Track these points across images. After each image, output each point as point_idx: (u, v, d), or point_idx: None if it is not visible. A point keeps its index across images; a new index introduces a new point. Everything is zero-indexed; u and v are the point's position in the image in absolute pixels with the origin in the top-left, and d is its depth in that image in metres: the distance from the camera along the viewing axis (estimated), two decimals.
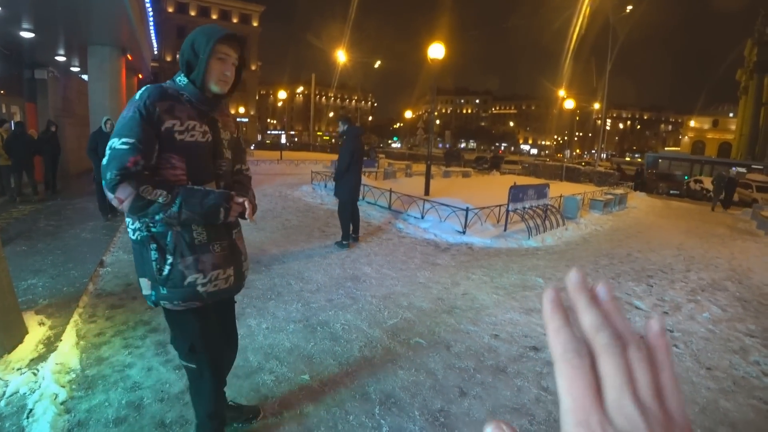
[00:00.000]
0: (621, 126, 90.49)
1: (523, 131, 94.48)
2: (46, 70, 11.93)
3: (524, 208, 7.62)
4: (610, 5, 21.86)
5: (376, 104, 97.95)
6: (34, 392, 2.35)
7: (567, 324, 0.29)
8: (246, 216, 1.71)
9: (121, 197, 1.50)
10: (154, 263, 1.62)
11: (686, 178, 23.00)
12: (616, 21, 22.18)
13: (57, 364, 2.62)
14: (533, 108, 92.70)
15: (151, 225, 1.61)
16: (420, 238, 6.91)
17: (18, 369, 2.57)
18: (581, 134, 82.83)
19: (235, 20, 53.27)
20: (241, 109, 54.48)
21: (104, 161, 1.52)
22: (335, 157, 18.71)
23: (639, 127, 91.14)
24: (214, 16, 51.72)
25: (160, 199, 1.52)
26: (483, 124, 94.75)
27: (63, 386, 2.42)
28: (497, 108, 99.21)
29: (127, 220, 1.67)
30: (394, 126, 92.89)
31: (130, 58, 11.38)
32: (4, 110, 11.90)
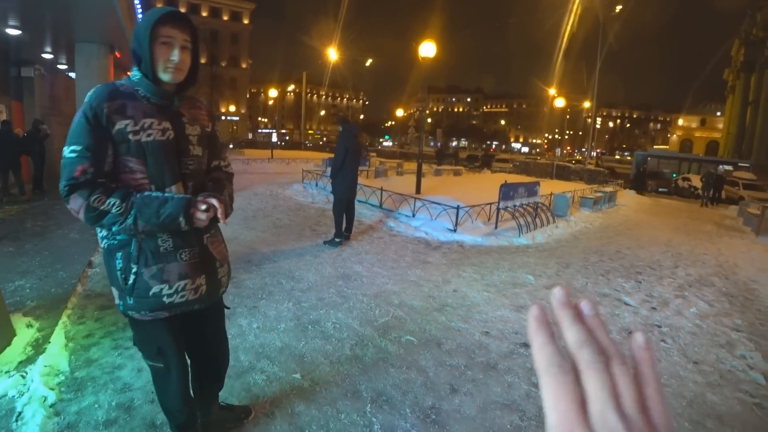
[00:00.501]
0: (611, 124, 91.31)
1: (514, 129, 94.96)
2: (32, 68, 11.77)
3: (515, 206, 7.67)
4: (601, 5, 22.05)
5: (367, 102, 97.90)
6: (22, 395, 2.32)
7: (551, 340, 0.30)
8: (219, 216, 1.58)
9: (74, 208, 1.42)
10: (119, 273, 1.54)
11: (675, 175, 23.29)
12: (606, 20, 22.36)
13: (46, 366, 2.60)
14: (524, 106, 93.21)
15: (116, 233, 1.53)
16: (411, 236, 6.93)
17: (6, 372, 2.54)
18: (572, 132, 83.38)
19: (225, 17, 52.94)
20: (232, 108, 54.17)
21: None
22: (326, 155, 18.70)
23: (629, 125, 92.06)
24: (204, 14, 51.32)
25: (114, 210, 1.42)
26: (474, 122, 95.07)
27: (52, 389, 2.40)
28: (488, 106, 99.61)
29: (96, 228, 1.57)
30: (386, 124, 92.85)
31: (118, 55, 11.24)
32: None
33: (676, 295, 4.95)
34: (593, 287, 5.04)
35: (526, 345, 3.39)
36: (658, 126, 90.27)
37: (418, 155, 11.17)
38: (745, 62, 46.72)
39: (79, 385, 2.48)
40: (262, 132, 69.85)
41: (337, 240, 5.97)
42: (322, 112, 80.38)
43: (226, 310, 2.00)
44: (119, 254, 1.53)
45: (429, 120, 79.61)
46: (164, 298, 1.56)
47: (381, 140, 77.20)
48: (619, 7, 22.50)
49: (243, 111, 55.53)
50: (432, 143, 59.85)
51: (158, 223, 1.47)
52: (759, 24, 44.51)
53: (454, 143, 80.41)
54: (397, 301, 4.11)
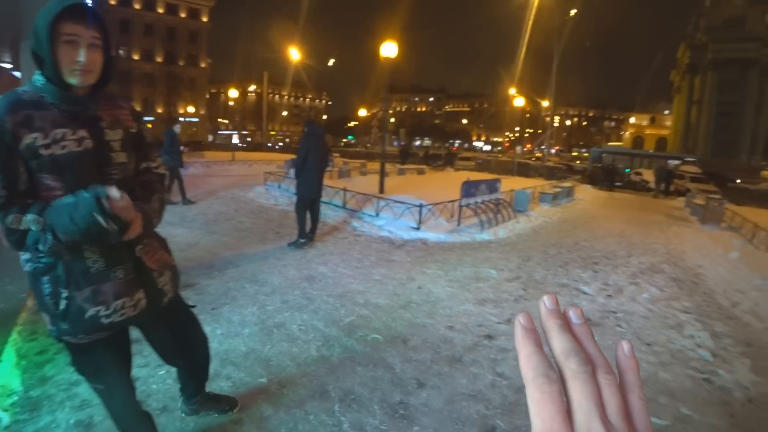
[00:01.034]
0: (569, 122, 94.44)
1: (476, 128, 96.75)
2: None
3: (477, 202, 7.84)
4: (557, 8, 22.83)
5: (330, 103, 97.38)
6: None
7: (539, 349, 0.30)
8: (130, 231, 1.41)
9: None
10: (48, 298, 1.40)
11: (627, 170, 24.36)
12: (562, 22, 23.18)
13: None
14: (485, 105, 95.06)
15: (40, 255, 1.38)
16: (375, 235, 6.97)
17: None
18: (532, 131, 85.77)
19: (183, 15, 51.39)
20: (191, 109, 52.64)
21: None
22: (290, 156, 18.47)
23: (585, 123, 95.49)
24: (161, 10, 49.60)
25: (33, 227, 1.26)
26: (437, 121, 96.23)
27: (6, 410, 2.29)
28: (451, 106, 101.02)
29: None
30: (349, 124, 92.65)
31: None
32: None
33: (629, 282, 5.21)
34: (553, 278, 5.23)
35: (490, 336, 3.49)
36: (612, 124, 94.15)
37: (381, 155, 11.23)
38: (690, 64, 49.58)
39: (35, 404, 2.37)
40: (222, 134, 68.27)
41: (301, 241, 5.93)
42: (285, 113, 79.34)
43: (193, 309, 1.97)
44: (45, 278, 1.39)
45: (392, 120, 79.96)
46: (102, 320, 1.43)
47: (343, 141, 76.79)
48: (573, 11, 23.36)
49: (203, 112, 54.08)
50: (395, 143, 60.22)
51: (79, 230, 1.26)
52: (702, 29, 47.27)
53: (418, 142, 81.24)
54: (363, 300, 4.13)
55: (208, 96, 58.59)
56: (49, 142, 1.31)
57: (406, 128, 57.75)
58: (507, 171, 21.37)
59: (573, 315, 0.32)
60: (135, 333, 1.76)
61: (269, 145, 43.16)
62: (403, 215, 7.53)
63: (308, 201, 5.94)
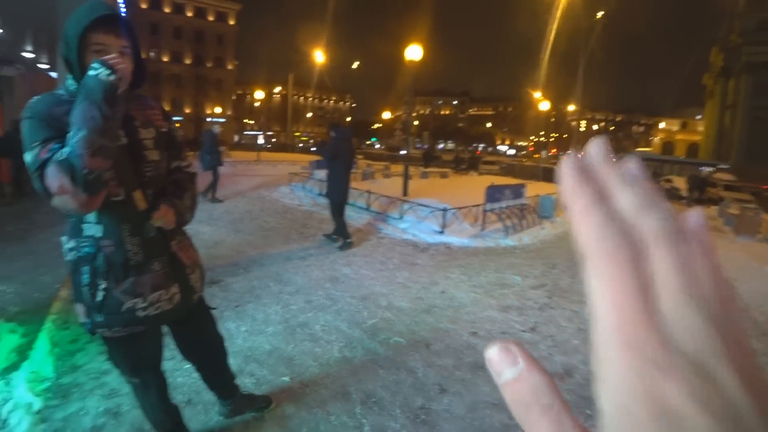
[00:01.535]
0: (595, 127, 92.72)
1: (500, 132, 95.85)
2: (13, 67, 11.57)
3: (501, 207, 7.75)
4: (584, 10, 22.45)
5: (354, 105, 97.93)
6: (7, 402, 2.29)
7: (601, 202, 0.21)
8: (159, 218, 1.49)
9: (54, 183, 1.23)
10: (86, 288, 1.44)
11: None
12: (589, 25, 22.77)
13: (30, 372, 2.56)
14: (510, 109, 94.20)
15: (83, 245, 1.42)
16: (399, 238, 6.96)
17: None
18: (557, 135, 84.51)
19: (211, 18, 52.51)
20: (218, 109, 53.70)
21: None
22: (314, 158, 18.64)
23: (612, 128, 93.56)
24: (189, 13, 50.80)
25: (73, 139, 1.23)
26: (461, 125, 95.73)
27: (37, 395, 2.37)
28: (475, 109, 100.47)
29: (63, 238, 1.49)
30: (373, 127, 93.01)
31: None
32: None
33: None
34: (579, 287, 5.12)
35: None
36: (641, 129, 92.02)
37: (404, 157, 11.22)
38: (724, 68, 47.97)
39: (65, 391, 2.45)
40: (248, 134, 69.42)
41: (348, 241, 5.99)
42: (309, 114, 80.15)
43: (213, 311, 2.01)
44: (85, 268, 1.44)
45: (416, 122, 79.96)
46: (139, 312, 1.48)
47: (367, 142, 77.13)
48: (600, 13, 22.93)
49: (229, 113, 55.11)
50: (418, 145, 60.14)
51: (95, 97, 1.25)
52: (737, 31, 45.72)
53: (441, 146, 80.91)
54: (386, 302, 4.12)
55: (234, 97, 59.72)
56: None
57: (430, 131, 57.57)
58: (532, 176, 21.08)
59: (634, 168, 0.22)
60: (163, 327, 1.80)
61: (300, 146, 43.84)
62: (426, 218, 7.50)
63: (343, 204, 5.99)
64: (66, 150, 1.24)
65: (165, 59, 49.88)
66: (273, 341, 3.20)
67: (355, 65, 50.59)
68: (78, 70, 1.36)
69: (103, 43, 1.36)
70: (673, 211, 0.21)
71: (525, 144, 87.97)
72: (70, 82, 1.40)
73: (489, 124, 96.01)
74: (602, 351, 0.19)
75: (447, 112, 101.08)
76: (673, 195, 19.94)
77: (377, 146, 71.67)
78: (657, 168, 27.77)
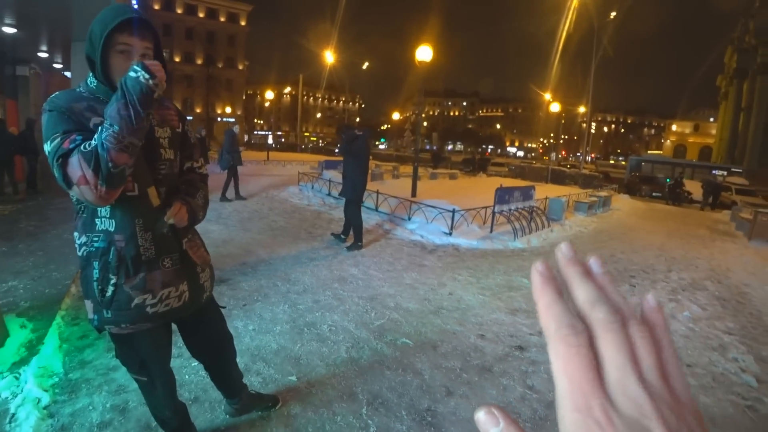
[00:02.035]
0: (605, 129, 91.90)
1: (509, 134, 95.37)
2: (28, 67, 11.73)
3: (510, 209, 7.70)
4: (595, 10, 22.25)
5: (363, 105, 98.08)
6: (16, 396, 2.31)
7: (560, 299, 0.26)
8: (170, 216, 1.51)
9: (74, 173, 1.24)
10: (95, 283, 1.45)
11: (668, 180, 23.47)
12: (601, 26, 22.56)
13: (39, 367, 2.58)
14: (520, 111, 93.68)
15: (95, 239, 1.44)
16: (407, 239, 6.94)
17: None
18: (567, 137, 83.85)
19: (222, 19, 52.86)
20: (228, 109, 54.05)
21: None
22: (324, 158, 18.69)
23: (623, 130, 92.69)
24: (201, 15, 51.20)
25: (104, 132, 1.25)
26: (470, 126, 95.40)
27: (46, 390, 2.39)
28: (484, 110, 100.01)
29: (75, 234, 1.51)
30: (382, 127, 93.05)
31: None
32: None
33: (669, 298, 4.99)
34: None
35: (521, 348, 3.40)
36: (652, 131, 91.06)
37: (414, 158, 11.19)
38: (738, 69, 47.20)
39: (74, 386, 2.47)
40: (258, 134, 69.79)
41: (359, 244, 6.01)
42: (318, 115, 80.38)
43: (222, 310, 2.02)
44: (96, 263, 1.45)
45: (425, 123, 79.86)
46: (147, 309, 1.50)
47: (376, 143, 77.11)
48: (613, 13, 22.70)
49: (239, 112, 55.40)
50: (428, 147, 60.03)
51: (133, 115, 1.28)
52: (752, 31, 44.98)
53: (450, 147, 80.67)
54: (393, 303, 4.11)
55: (244, 97, 60.04)
56: None
57: (439, 132, 57.44)
58: (541, 178, 20.96)
59: (594, 264, 0.29)
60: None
61: (310, 146, 44.18)
62: (435, 220, 7.48)
63: (359, 204, 6.01)
64: (94, 142, 1.26)
65: (177, 59, 50.25)
66: (280, 340, 3.21)
67: (364, 66, 50.52)
68: (101, 68, 1.39)
69: (128, 44, 1.40)
70: (621, 301, 0.27)
71: (535, 146, 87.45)
72: (91, 80, 1.44)
73: (498, 126, 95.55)
74: (560, 412, 0.24)
75: (456, 113, 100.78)
76: (684, 198, 19.62)
77: (381, 147, 71.59)
78: (669, 172, 27.39)
